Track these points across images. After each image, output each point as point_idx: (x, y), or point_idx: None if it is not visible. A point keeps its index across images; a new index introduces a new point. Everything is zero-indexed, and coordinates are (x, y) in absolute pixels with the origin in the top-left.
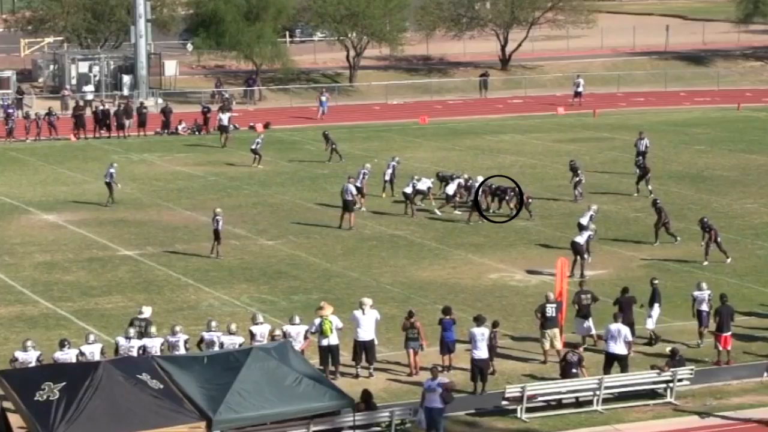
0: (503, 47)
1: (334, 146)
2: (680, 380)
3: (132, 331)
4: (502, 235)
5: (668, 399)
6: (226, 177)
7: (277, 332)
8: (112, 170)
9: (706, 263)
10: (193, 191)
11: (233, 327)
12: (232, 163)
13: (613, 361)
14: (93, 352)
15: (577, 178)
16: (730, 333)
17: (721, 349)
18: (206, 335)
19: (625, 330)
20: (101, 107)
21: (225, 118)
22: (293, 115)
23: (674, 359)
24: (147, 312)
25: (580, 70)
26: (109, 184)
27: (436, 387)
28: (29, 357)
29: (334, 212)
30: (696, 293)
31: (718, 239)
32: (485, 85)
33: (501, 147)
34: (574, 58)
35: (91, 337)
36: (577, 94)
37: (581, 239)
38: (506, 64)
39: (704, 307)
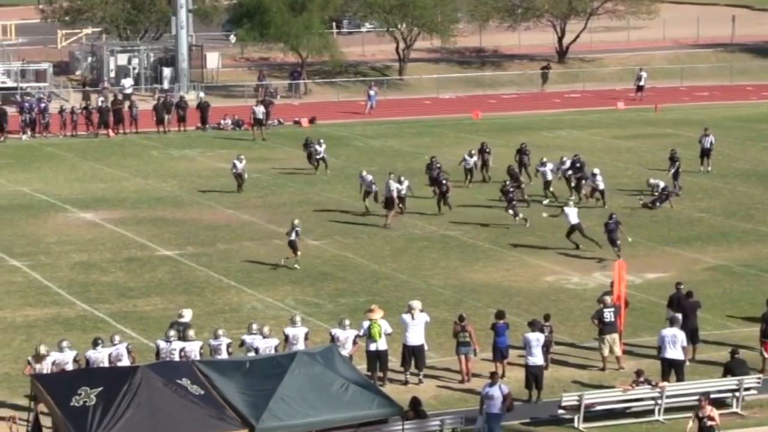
0: (560, 39)
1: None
2: (747, 389)
3: (172, 333)
4: (558, 235)
5: (734, 409)
6: (270, 174)
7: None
8: (238, 162)
9: None
10: (235, 189)
11: (266, 330)
12: (276, 159)
13: (670, 368)
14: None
15: (674, 170)
16: None
17: (766, 356)
18: (247, 339)
19: (681, 335)
20: (101, 103)
21: (260, 111)
22: (340, 109)
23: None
24: (187, 315)
25: (640, 63)
26: (239, 176)
27: (495, 393)
28: (66, 357)
29: (383, 211)
30: None
31: None
32: (545, 79)
33: (557, 143)
34: (634, 50)
35: (117, 338)
36: (639, 88)
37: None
38: (563, 57)
39: None
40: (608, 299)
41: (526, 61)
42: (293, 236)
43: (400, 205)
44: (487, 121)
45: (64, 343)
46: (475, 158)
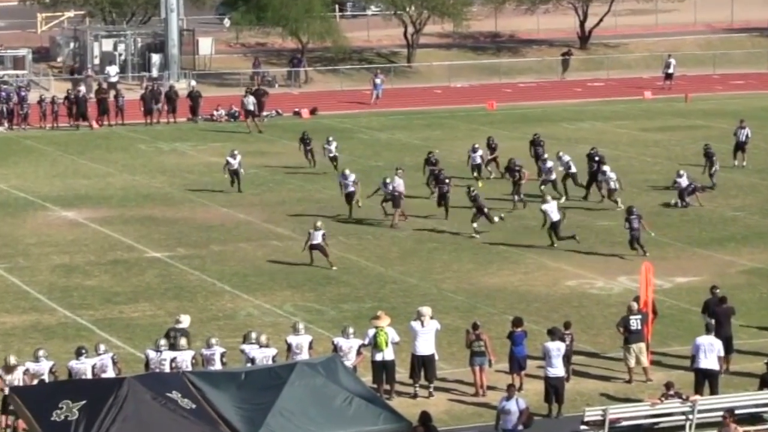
0: (582, 23)
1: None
2: None
3: (163, 342)
4: (580, 236)
5: None
6: (268, 169)
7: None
8: (232, 159)
9: None
10: (230, 185)
11: (263, 338)
12: (274, 153)
13: (704, 379)
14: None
15: (714, 167)
16: None
17: None
18: (246, 348)
19: (718, 343)
20: (77, 93)
21: (249, 102)
22: (343, 99)
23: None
24: (185, 321)
25: (669, 49)
26: (235, 173)
27: (512, 408)
28: (41, 368)
29: (391, 210)
30: None
31: None
32: (566, 66)
33: (579, 136)
34: (663, 35)
35: (102, 347)
36: (668, 76)
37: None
38: (586, 42)
39: None
40: (634, 305)
41: (545, 47)
42: (318, 239)
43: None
44: (503, 112)
45: (41, 353)
46: (480, 152)
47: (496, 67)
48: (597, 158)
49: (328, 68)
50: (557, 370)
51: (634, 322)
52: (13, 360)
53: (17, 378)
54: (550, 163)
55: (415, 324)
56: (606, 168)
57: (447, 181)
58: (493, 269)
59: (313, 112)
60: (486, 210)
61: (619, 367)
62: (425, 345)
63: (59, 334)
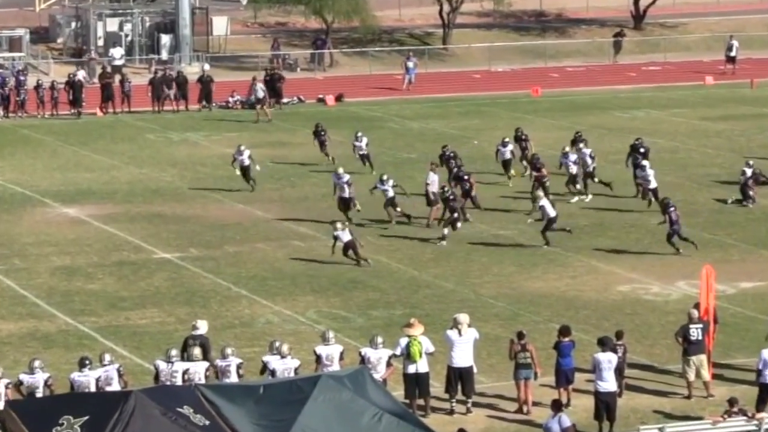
0: (636, 1)
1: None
2: None
3: (174, 353)
4: (634, 236)
5: None
6: (288, 162)
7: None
8: (239, 155)
9: None
10: (245, 182)
11: (285, 348)
12: (296, 144)
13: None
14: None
15: None
16: None
17: None
18: (270, 360)
19: None
20: (74, 77)
21: (259, 88)
22: (372, 84)
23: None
24: (203, 327)
25: (732, 30)
26: (246, 170)
27: (554, 427)
28: (36, 381)
29: (425, 207)
30: None
31: None
32: (618, 48)
33: (633, 126)
34: (725, 14)
35: (107, 357)
36: (731, 60)
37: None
38: (640, 22)
39: None
40: (695, 313)
41: (595, 27)
42: (348, 236)
43: (398, 209)
44: (549, 99)
45: (36, 363)
46: (510, 146)
47: (541, 50)
48: (642, 150)
49: (356, 50)
50: (608, 384)
51: (695, 332)
52: None
53: None
54: (573, 157)
55: (452, 333)
56: (646, 163)
57: (467, 177)
58: (537, 272)
59: (338, 99)
60: (456, 215)
61: (677, 382)
62: (463, 356)
63: (59, 343)
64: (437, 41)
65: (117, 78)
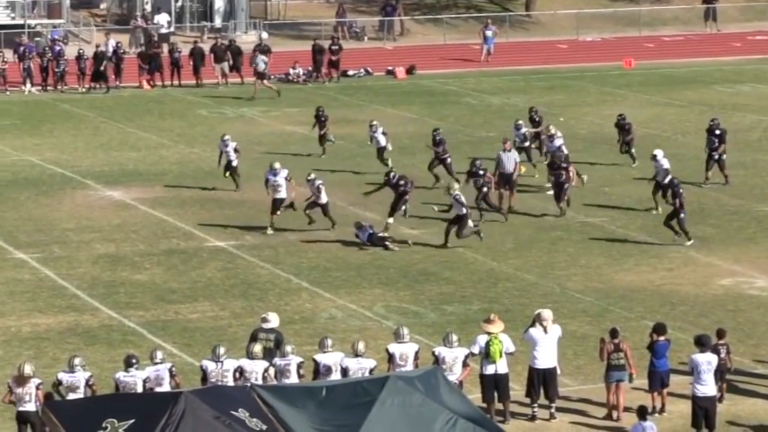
0: None
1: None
2: None
3: (222, 351)
4: (737, 224)
5: None
6: (354, 140)
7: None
8: (224, 146)
9: None
10: (309, 160)
11: (361, 346)
12: (362, 121)
13: None
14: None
15: None
16: None
17: None
18: (320, 360)
19: None
20: (98, 47)
21: (260, 60)
22: (447, 55)
23: None
24: (274, 320)
25: None
26: (230, 165)
27: None
28: (76, 380)
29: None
30: None
31: None
32: (713, 16)
33: (737, 102)
34: None
35: (159, 355)
36: None
37: None
38: None
39: None
40: None
41: None
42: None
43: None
44: (643, 71)
45: (76, 361)
46: (524, 130)
47: (635, 17)
48: (717, 132)
49: (429, 17)
50: (708, 388)
51: None
52: (28, 369)
53: (28, 393)
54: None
55: (535, 331)
56: (658, 152)
57: (482, 172)
58: (629, 264)
59: (410, 71)
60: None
61: None
62: (547, 356)
63: (102, 339)
64: (519, 7)
65: (166, 47)
